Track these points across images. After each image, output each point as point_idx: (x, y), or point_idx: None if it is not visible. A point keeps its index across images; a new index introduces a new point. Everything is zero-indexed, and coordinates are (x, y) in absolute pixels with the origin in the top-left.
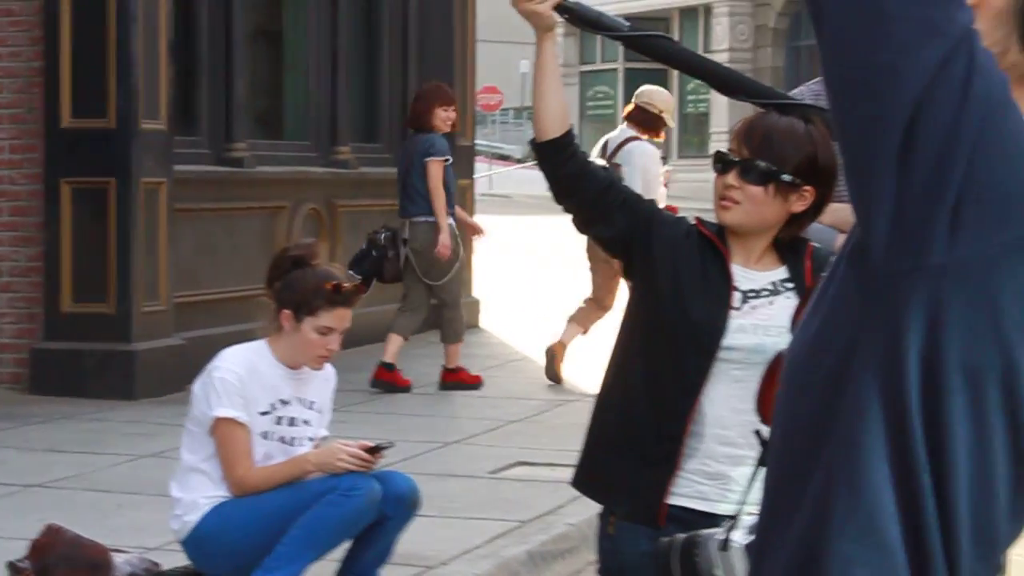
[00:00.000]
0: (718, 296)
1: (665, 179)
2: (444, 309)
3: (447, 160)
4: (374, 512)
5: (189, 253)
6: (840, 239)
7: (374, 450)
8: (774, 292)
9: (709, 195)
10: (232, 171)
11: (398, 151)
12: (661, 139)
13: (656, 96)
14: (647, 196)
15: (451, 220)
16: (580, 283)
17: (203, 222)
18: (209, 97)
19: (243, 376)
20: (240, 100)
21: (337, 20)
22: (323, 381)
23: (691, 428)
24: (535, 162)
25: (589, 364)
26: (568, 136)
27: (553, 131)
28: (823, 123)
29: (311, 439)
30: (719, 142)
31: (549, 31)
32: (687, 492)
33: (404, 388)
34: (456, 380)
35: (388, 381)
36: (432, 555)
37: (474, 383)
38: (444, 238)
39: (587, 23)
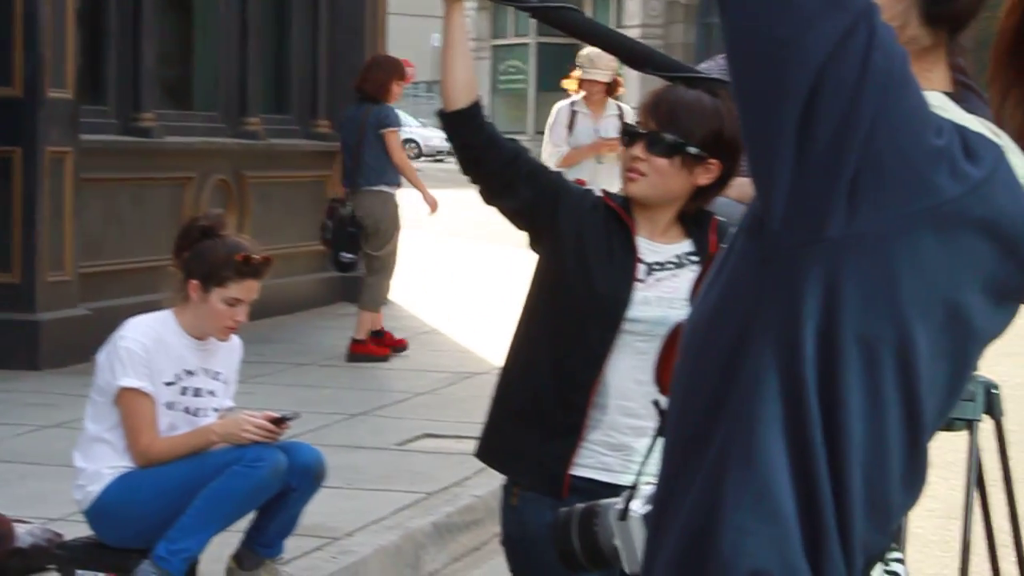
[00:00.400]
0: (623, 268)
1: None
2: (372, 276)
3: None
4: (279, 483)
5: (95, 223)
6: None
7: (279, 421)
8: (679, 265)
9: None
10: (140, 141)
11: (339, 120)
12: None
13: (600, 62)
14: None
15: (393, 189)
16: (488, 256)
17: (110, 192)
18: (117, 66)
19: (148, 346)
20: (148, 69)
21: None
22: (229, 352)
23: (595, 400)
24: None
25: (495, 337)
26: (475, 107)
27: (460, 101)
28: (730, 97)
29: (216, 410)
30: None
31: (457, 2)
32: (591, 463)
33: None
34: (364, 352)
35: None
36: (337, 526)
37: (382, 355)
38: (430, 197)
39: None
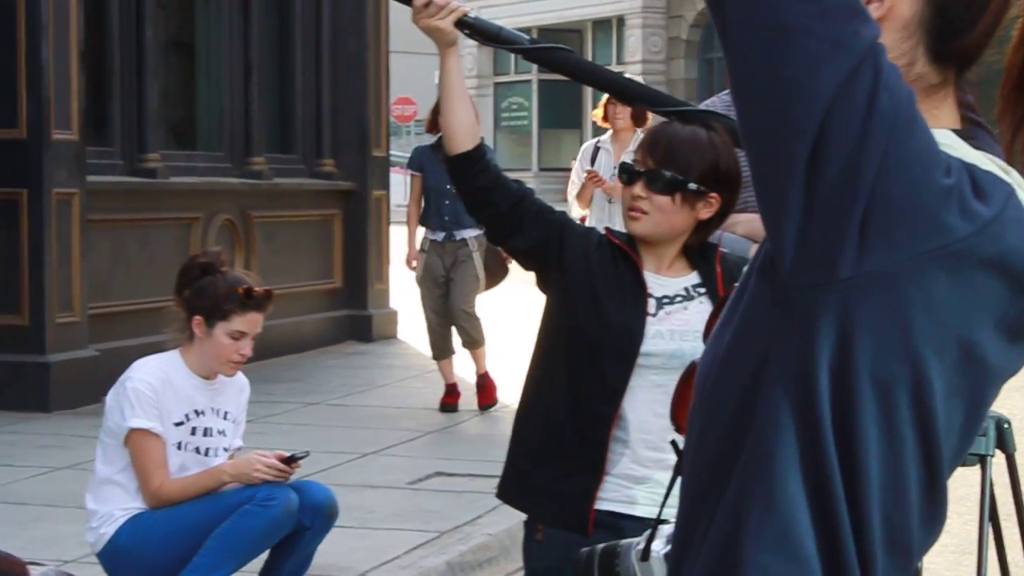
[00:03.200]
0: (634, 303)
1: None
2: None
3: None
4: (291, 522)
5: (103, 264)
6: (754, 249)
7: (290, 460)
8: (687, 297)
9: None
10: (145, 182)
11: (428, 162)
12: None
13: None
14: None
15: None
16: (495, 294)
17: (117, 233)
18: (121, 107)
19: (156, 386)
20: (153, 110)
21: (250, 30)
22: (237, 391)
23: (615, 434)
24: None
25: (505, 374)
26: (479, 149)
27: (463, 145)
28: (725, 130)
29: (226, 449)
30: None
31: (452, 46)
32: (615, 497)
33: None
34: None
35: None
36: (351, 566)
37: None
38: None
39: (487, 38)
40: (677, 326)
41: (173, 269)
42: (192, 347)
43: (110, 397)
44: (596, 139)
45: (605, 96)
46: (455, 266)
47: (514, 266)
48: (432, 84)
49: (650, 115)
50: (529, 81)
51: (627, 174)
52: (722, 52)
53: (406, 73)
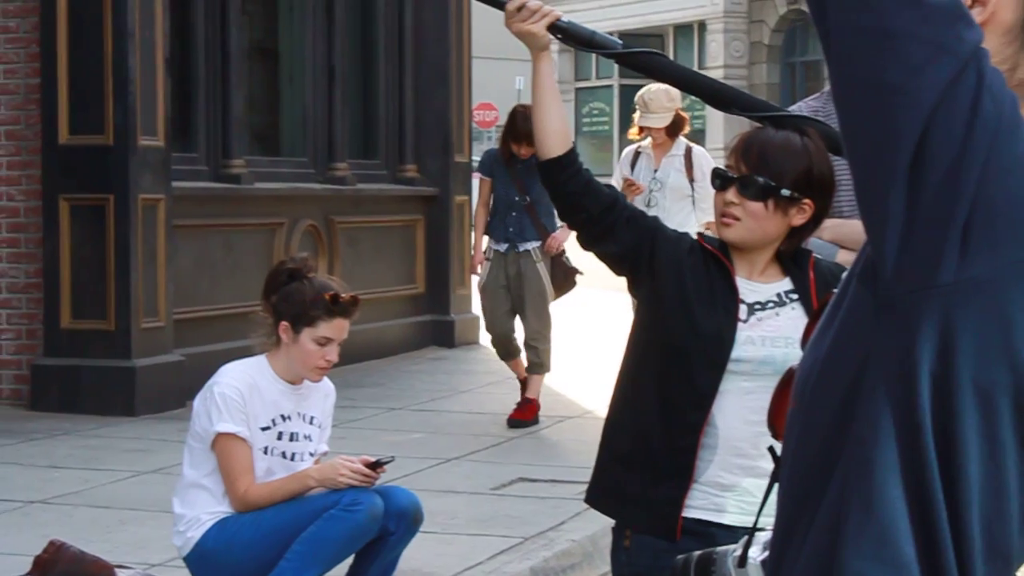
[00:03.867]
0: (725, 309)
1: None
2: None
3: None
4: (376, 527)
5: (188, 269)
6: (841, 254)
7: (375, 465)
8: (779, 303)
9: None
10: (230, 187)
11: (519, 171)
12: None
13: (654, 105)
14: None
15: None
16: (578, 300)
17: (201, 238)
18: (206, 113)
19: (243, 391)
20: (237, 116)
21: (333, 36)
22: (323, 396)
23: (704, 440)
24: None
25: (588, 381)
26: (571, 154)
27: (556, 149)
28: (818, 135)
29: (312, 454)
30: (715, 158)
31: (544, 50)
32: (702, 505)
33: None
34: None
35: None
36: (435, 571)
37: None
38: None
39: (580, 42)
40: (768, 332)
41: (257, 274)
42: (278, 352)
43: (197, 402)
44: (636, 144)
45: (636, 112)
46: (519, 277)
47: (596, 271)
48: (513, 90)
49: (688, 125)
50: (611, 86)
51: (720, 179)
52: (805, 56)
53: (487, 79)
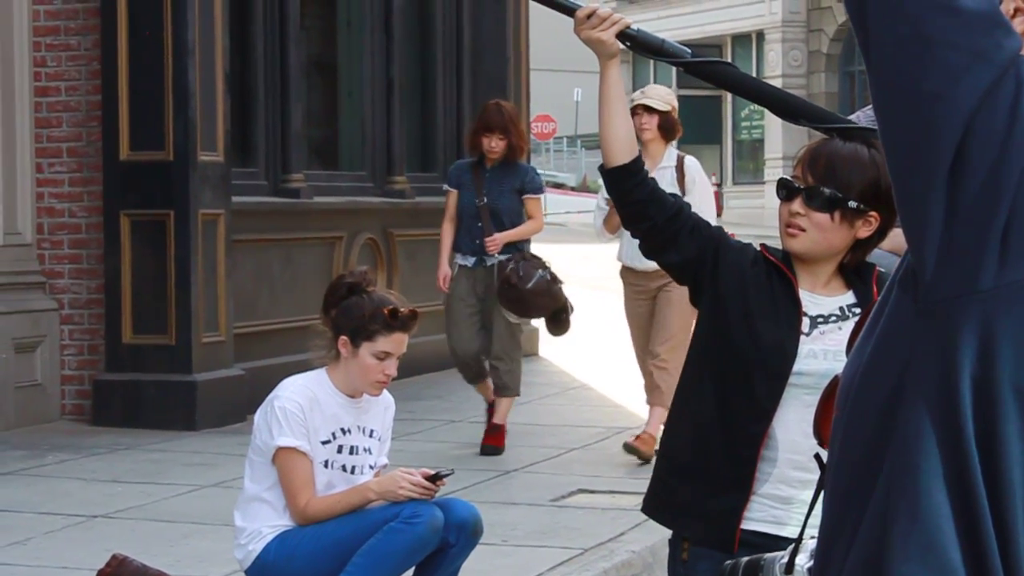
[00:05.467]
0: (788, 322)
1: None
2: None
3: None
4: (436, 539)
5: (247, 284)
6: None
7: (435, 478)
8: (842, 317)
9: (763, 221)
10: (289, 202)
11: (486, 179)
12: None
13: (652, 91)
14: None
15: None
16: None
17: (261, 253)
18: (265, 128)
19: (304, 405)
20: (296, 131)
21: (391, 49)
22: (382, 409)
23: (763, 453)
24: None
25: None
26: (637, 162)
27: (621, 158)
28: None
29: (372, 467)
30: (774, 168)
31: (612, 58)
32: (761, 517)
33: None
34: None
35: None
36: None
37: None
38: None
39: (650, 50)
40: (831, 346)
41: (316, 288)
42: (338, 366)
43: (258, 416)
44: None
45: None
46: (488, 294)
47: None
48: (571, 101)
49: (680, 131)
50: None
51: (786, 190)
52: (864, 65)
53: (545, 90)
